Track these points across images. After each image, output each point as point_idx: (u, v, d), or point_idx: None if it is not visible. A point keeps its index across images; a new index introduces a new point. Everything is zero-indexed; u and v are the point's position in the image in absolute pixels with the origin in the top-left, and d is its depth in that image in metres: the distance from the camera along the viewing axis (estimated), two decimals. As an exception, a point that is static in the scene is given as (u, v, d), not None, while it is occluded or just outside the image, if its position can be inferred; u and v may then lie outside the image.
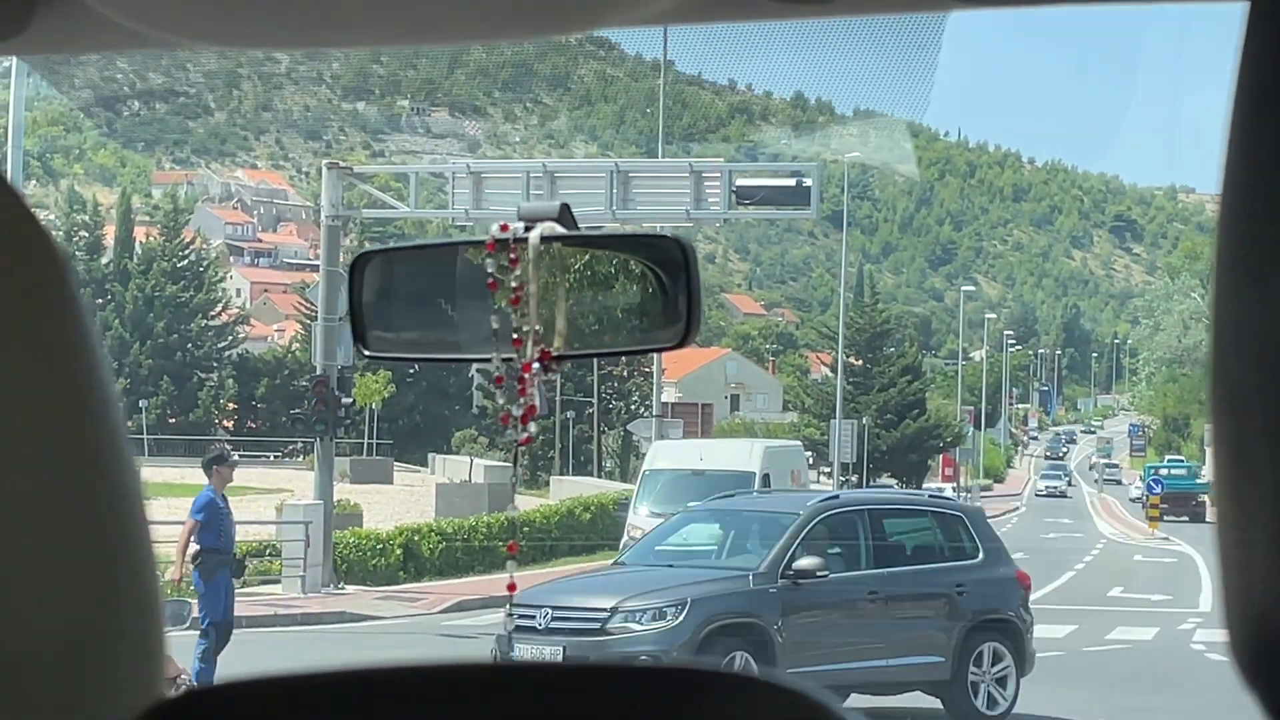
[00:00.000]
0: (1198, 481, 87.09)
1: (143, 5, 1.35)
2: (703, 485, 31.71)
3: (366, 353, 2.13)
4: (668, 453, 37.34)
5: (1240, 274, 0.61)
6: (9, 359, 0.76)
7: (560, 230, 2.05)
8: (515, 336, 1.98)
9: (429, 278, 2.20)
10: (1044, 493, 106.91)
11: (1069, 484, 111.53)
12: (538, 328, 1.99)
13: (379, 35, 1.46)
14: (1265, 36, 0.66)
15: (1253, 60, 0.66)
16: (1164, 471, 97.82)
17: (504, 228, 2.03)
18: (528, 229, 2.03)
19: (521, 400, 2.00)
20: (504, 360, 1.99)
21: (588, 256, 2.10)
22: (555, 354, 2.00)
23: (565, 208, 2.07)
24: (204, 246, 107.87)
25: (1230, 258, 0.62)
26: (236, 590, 32.01)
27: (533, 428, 2.04)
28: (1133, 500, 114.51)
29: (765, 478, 34.81)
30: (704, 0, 1.41)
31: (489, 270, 2.00)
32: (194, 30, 1.42)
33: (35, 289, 0.79)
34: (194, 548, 18.76)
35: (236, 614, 29.06)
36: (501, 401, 1.99)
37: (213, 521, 18.99)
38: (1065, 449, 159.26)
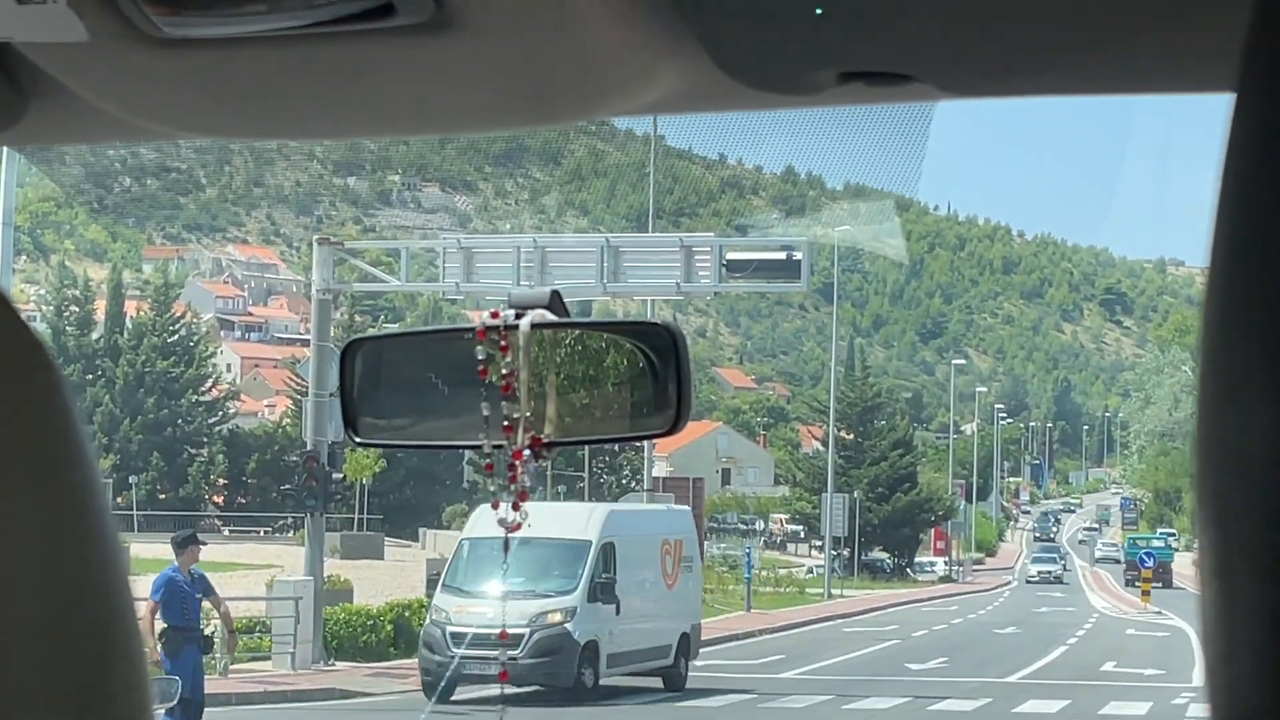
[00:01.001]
0: (1174, 550, 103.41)
1: (135, 98, 1.37)
2: (528, 557, 28.54)
3: (357, 440, 2.13)
4: (491, 517, 35.54)
5: (1221, 386, 0.62)
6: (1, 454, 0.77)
7: (551, 317, 2.05)
8: (506, 423, 1.98)
9: (419, 365, 2.20)
10: (1036, 579, 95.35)
11: (1064, 568, 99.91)
12: (529, 415, 1.99)
13: (373, 127, 1.47)
14: (1250, 126, 0.66)
15: (1238, 149, 0.67)
16: (1140, 543, 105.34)
17: (495, 315, 2.03)
18: (519, 316, 2.03)
19: (512, 487, 2.00)
20: (495, 447, 1.99)
21: (579, 343, 2.10)
22: (546, 441, 2.00)
23: (556, 294, 2.08)
24: (194, 321, 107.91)
25: (1211, 370, 0.63)
26: (231, 667, 31.95)
27: (523, 515, 2.04)
28: (1097, 560, 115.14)
29: (606, 548, 30.82)
30: (694, 91, 1.43)
31: (480, 357, 2.00)
32: (185, 122, 1.43)
33: (22, 392, 0.80)
34: (160, 625, 18.71)
35: (227, 691, 28.97)
36: (492, 489, 1.99)
37: (174, 600, 18.97)
38: (1055, 528, 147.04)
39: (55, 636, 0.78)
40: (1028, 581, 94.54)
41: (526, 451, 1.98)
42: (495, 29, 1.21)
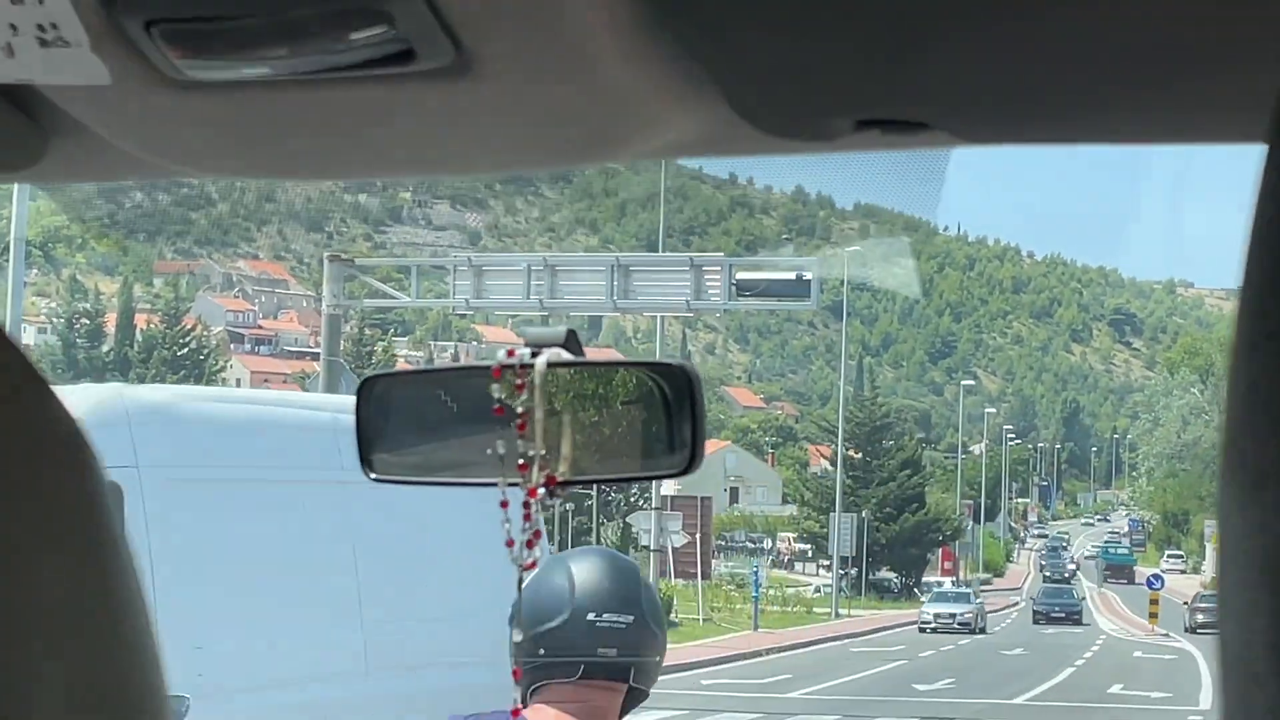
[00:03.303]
0: (1134, 556, 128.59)
1: (154, 139, 1.38)
2: None
3: (372, 476, 2.14)
4: None
5: (1242, 474, 0.62)
6: (34, 548, 0.78)
7: (566, 356, 2.07)
8: (521, 462, 2.00)
9: (435, 402, 2.22)
10: (1043, 616, 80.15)
11: (1079, 618, 79.91)
12: (543, 453, 2.01)
13: (389, 169, 1.48)
14: None
15: (1269, 201, 0.65)
16: (1112, 549, 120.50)
17: (511, 354, 2.05)
18: (534, 355, 2.05)
19: (526, 525, 2.02)
20: (510, 485, 2.01)
21: (594, 383, 2.12)
22: (561, 480, 2.01)
23: (572, 333, 2.10)
24: (205, 334, 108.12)
25: (1235, 451, 0.62)
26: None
27: (537, 553, 2.06)
28: (1070, 569, 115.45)
29: None
30: (710, 136, 1.44)
31: (495, 396, 2.02)
32: (204, 163, 1.44)
33: (58, 480, 0.81)
34: None
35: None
36: (506, 527, 2.00)
37: None
38: (1070, 566, 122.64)
39: (72, 644, 0.79)
40: (1035, 622, 79.05)
41: (541, 489, 2.00)
42: (513, 74, 1.23)
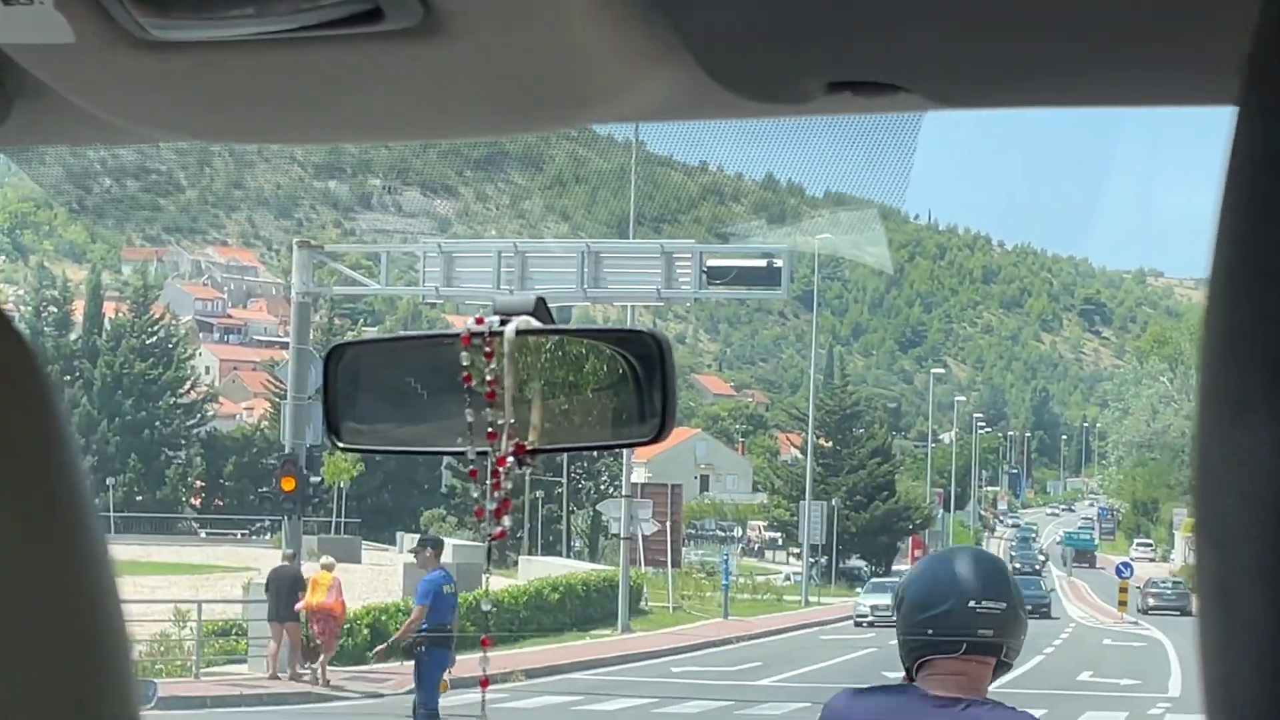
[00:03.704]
0: (1096, 542, 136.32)
1: (120, 100, 1.35)
2: None
3: (340, 445, 2.12)
4: None
5: (1223, 405, 0.62)
6: None
7: (536, 324, 2.05)
8: (490, 430, 1.98)
9: (403, 370, 2.20)
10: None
11: (1047, 610, 70.21)
12: (512, 421, 1.98)
13: (359, 132, 1.47)
14: (1254, 140, 0.66)
15: (1240, 163, 0.67)
16: (1074, 536, 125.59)
17: (479, 321, 2.03)
18: (503, 322, 2.03)
19: (496, 494, 2.00)
20: (478, 453, 1.98)
21: (562, 349, 2.10)
22: (530, 448, 1.99)
23: (541, 301, 2.07)
24: (173, 323, 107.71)
25: (1212, 389, 0.63)
26: (203, 670, 31.90)
27: (506, 521, 2.04)
28: (1039, 561, 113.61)
29: None
30: (682, 99, 1.43)
31: (464, 364, 2.00)
32: (170, 125, 1.42)
33: (8, 394, 0.80)
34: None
35: (201, 694, 28.93)
36: (475, 495, 1.98)
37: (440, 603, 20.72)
38: (1041, 557, 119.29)
39: (44, 640, 0.78)
40: None
41: (510, 458, 1.98)
42: (483, 34, 1.22)
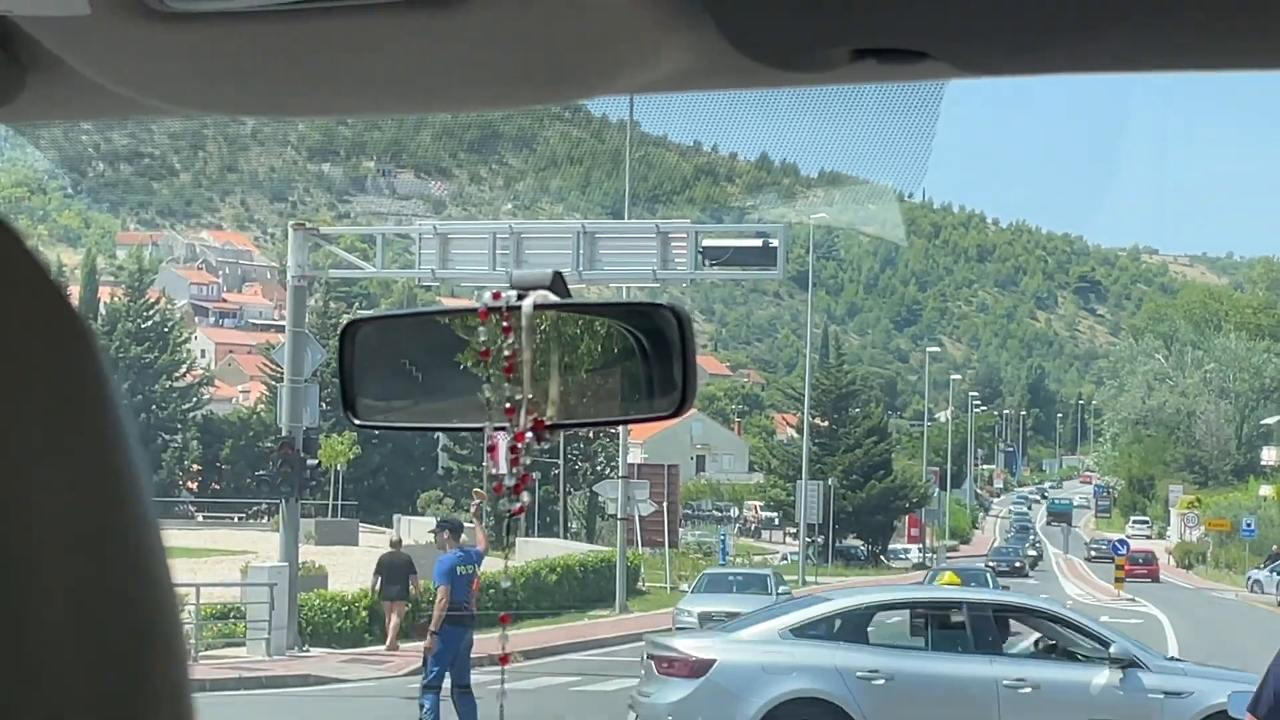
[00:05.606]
0: (1073, 506, 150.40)
1: (135, 74, 1.32)
2: None
3: (356, 421, 2.09)
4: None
5: None
6: (40, 437, 0.76)
7: (553, 298, 2.03)
8: (508, 405, 1.95)
9: (420, 345, 2.17)
10: (1005, 567, 79.15)
11: (1037, 554, 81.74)
12: (531, 397, 1.96)
13: (377, 103, 1.44)
14: None
15: None
16: (1056, 501, 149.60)
17: (497, 296, 2.01)
18: (521, 297, 2.00)
19: (514, 470, 1.98)
20: (496, 429, 1.96)
21: (581, 325, 2.07)
22: (549, 423, 1.97)
23: (558, 275, 2.05)
24: (169, 307, 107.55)
25: None
26: (201, 654, 31.89)
27: (526, 497, 2.02)
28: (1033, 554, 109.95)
29: None
30: (704, 68, 1.41)
31: (482, 339, 1.98)
32: (186, 98, 1.39)
33: (63, 373, 0.78)
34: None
35: (201, 677, 28.91)
36: (494, 471, 1.96)
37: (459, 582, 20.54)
38: (1031, 553, 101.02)
39: (97, 616, 0.78)
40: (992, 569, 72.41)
41: (529, 434, 1.95)
42: (506, 5, 1.20)
